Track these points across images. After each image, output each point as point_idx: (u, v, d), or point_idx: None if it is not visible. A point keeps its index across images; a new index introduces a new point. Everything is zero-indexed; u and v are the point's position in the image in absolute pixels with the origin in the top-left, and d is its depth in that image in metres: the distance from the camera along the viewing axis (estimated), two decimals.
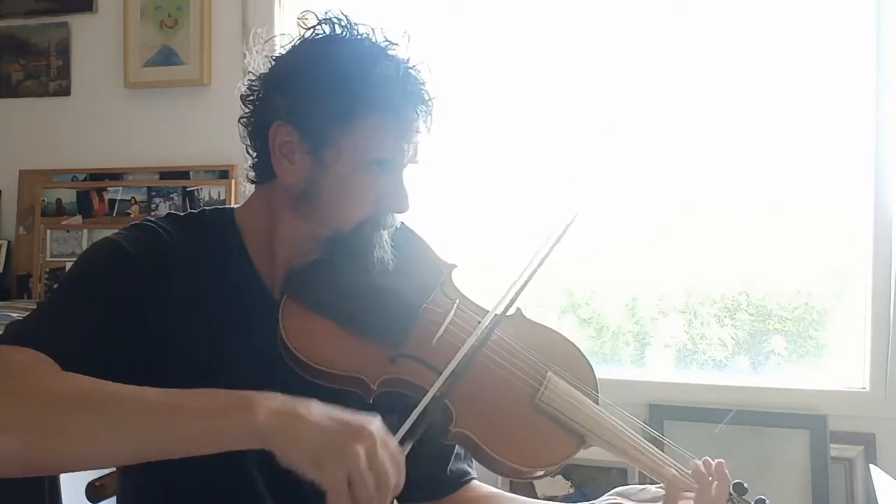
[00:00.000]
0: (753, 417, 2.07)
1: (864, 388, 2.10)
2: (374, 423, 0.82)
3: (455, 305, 1.09)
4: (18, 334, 0.94)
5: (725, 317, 2.33)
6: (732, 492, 1.05)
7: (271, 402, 0.81)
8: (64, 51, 2.66)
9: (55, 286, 1.05)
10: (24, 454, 0.81)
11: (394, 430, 0.88)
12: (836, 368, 2.19)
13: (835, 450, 2.04)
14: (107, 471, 1.31)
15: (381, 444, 0.81)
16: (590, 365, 1.12)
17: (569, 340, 1.14)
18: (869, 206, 2.09)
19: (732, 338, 2.30)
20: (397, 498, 1.29)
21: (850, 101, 2.14)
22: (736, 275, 2.30)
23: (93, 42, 2.65)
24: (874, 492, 1.44)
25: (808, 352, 2.27)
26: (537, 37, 2.37)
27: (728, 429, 2.05)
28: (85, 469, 0.84)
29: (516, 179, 2.38)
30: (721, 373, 2.30)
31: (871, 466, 1.62)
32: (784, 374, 2.25)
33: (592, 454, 1.98)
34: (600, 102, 2.31)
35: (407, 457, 0.86)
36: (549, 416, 1.03)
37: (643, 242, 2.33)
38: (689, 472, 1.04)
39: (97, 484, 1.30)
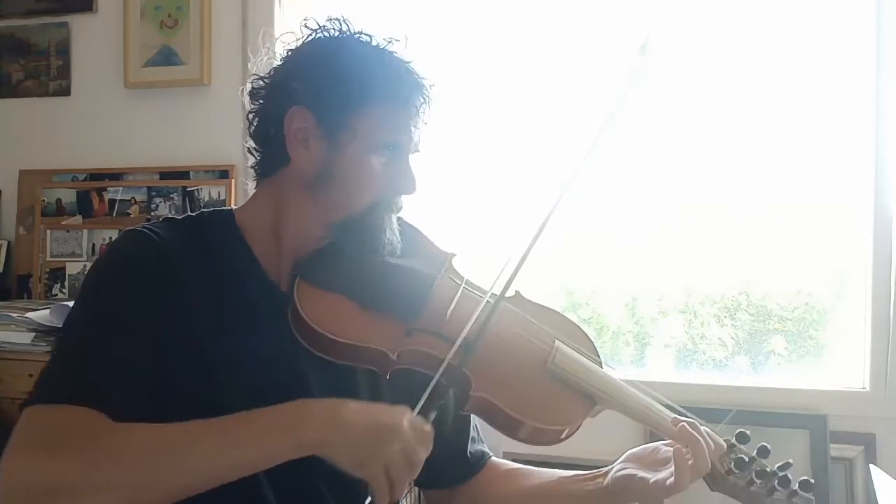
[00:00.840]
0: (753, 417, 2.07)
1: (864, 388, 2.10)
2: (405, 416, 0.92)
3: (463, 284, 1.15)
4: (55, 390, 0.95)
5: (725, 317, 2.33)
6: (736, 442, 1.11)
7: (316, 414, 0.90)
8: (64, 51, 2.66)
9: (70, 322, 1.04)
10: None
11: (410, 408, 0.95)
12: (836, 368, 2.19)
13: (835, 450, 2.04)
14: None
15: (413, 435, 0.91)
16: (588, 336, 1.19)
17: (565, 316, 1.21)
18: (869, 206, 2.09)
19: (732, 338, 2.31)
20: (422, 487, 1.32)
21: (850, 101, 2.14)
22: (736, 275, 2.31)
23: (93, 42, 2.65)
24: (874, 492, 1.45)
25: (808, 352, 2.27)
26: (537, 32, 2.37)
27: (728, 429, 2.05)
28: (180, 497, 0.91)
29: (516, 173, 2.38)
30: (721, 373, 2.30)
31: (871, 466, 1.62)
32: (784, 374, 2.25)
33: (592, 453, 1.97)
34: (596, 100, 2.31)
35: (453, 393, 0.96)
36: (562, 379, 1.08)
37: (643, 242, 2.33)
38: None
39: None
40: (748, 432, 1.11)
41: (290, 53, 1.12)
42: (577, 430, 1.07)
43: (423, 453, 0.92)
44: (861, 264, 2.12)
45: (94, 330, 0.99)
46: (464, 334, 1.01)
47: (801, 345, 2.27)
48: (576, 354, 1.12)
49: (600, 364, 1.14)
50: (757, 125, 2.24)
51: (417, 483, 1.30)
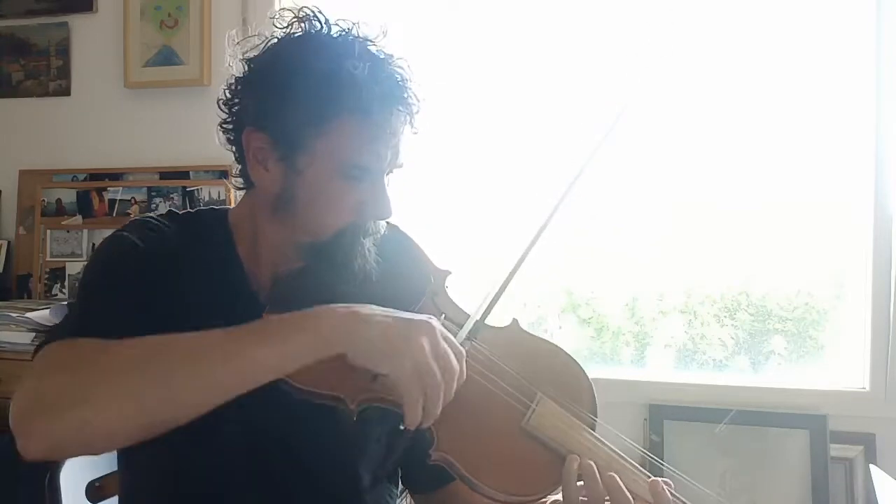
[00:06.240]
0: (753, 417, 2.07)
1: (864, 388, 2.10)
2: (434, 320, 0.89)
3: (444, 316, 1.03)
4: (55, 334, 0.98)
5: (725, 317, 2.33)
6: None
7: (333, 312, 0.87)
8: (64, 51, 2.66)
9: (78, 286, 1.08)
10: (140, 416, 0.86)
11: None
12: (836, 368, 2.19)
13: (835, 450, 2.04)
14: (107, 471, 1.31)
15: (442, 335, 0.88)
16: (589, 384, 1.04)
17: (568, 355, 1.06)
18: (869, 205, 2.09)
19: (732, 338, 2.30)
20: (410, 490, 1.28)
21: (851, 100, 2.14)
22: (736, 275, 2.30)
23: (93, 42, 2.65)
24: (874, 492, 1.45)
25: (808, 352, 2.27)
26: (535, 38, 2.36)
27: (728, 429, 2.05)
28: (189, 416, 0.88)
29: (515, 181, 2.38)
30: (721, 373, 2.30)
31: (871, 466, 1.63)
32: (784, 374, 2.25)
33: None
34: (597, 104, 2.31)
35: (415, 446, 0.90)
36: (537, 441, 0.98)
37: (643, 242, 2.33)
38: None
39: (97, 484, 1.31)
40: None
41: (250, 63, 1.02)
42: (551, 493, 0.97)
43: (455, 359, 0.87)
44: (861, 264, 2.12)
45: (87, 293, 1.04)
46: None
47: (801, 345, 2.27)
48: (560, 412, 0.98)
49: (594, 417, 1.01)
50: (757, 124, 2.23)
51: (405, 484, 1.25)
